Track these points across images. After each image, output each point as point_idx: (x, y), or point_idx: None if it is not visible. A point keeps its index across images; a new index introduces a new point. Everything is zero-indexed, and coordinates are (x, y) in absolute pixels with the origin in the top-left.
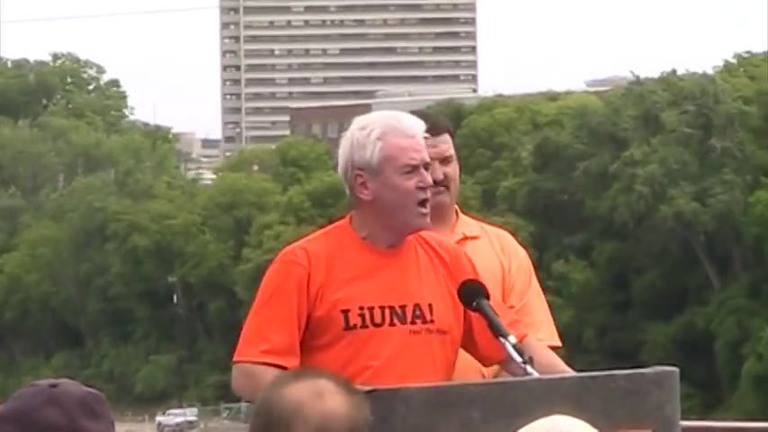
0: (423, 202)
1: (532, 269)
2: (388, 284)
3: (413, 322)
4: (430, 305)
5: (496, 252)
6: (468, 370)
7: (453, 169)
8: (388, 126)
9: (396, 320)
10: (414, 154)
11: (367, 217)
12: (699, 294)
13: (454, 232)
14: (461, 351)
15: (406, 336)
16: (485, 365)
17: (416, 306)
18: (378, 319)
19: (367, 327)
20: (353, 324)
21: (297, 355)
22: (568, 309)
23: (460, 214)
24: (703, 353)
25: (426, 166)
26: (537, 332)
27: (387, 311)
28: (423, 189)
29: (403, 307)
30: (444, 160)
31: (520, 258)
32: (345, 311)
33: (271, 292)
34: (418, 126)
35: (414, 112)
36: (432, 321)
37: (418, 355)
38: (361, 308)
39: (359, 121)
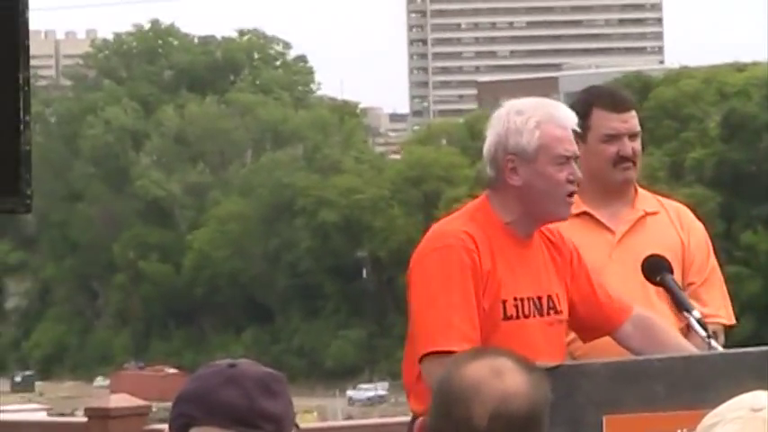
0: (571, 194)
1: (710, 245)
2: (529, 274)
3: (548, 314)
4: (557, 295)
5: (676, 227)
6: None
7: (639, 145)
8: (547, 115)
9: (536, 312)
10: (568, 146)
11: (510, 202)
12: None
13: (635, 208)
14: None
15: (544, 327)
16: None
17: (549, 297)
18: (527, 311)
19: (519, 318)
20: (510, 315)
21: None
22: (756, 279)
23: (639, 189)
24: None
25: (576, 159)
26: (717, 309)
27: (532, 303)
28: (572, 182)
29: (540, 298)
30: (633, 136)
31: (698, 234)
32: (504, 301)
33: (448, 279)
34: (572, 118)
35: (602, 88)
36: (560, 312)
37: (553, 347)
38: (515, 299)
39: (515, 105)
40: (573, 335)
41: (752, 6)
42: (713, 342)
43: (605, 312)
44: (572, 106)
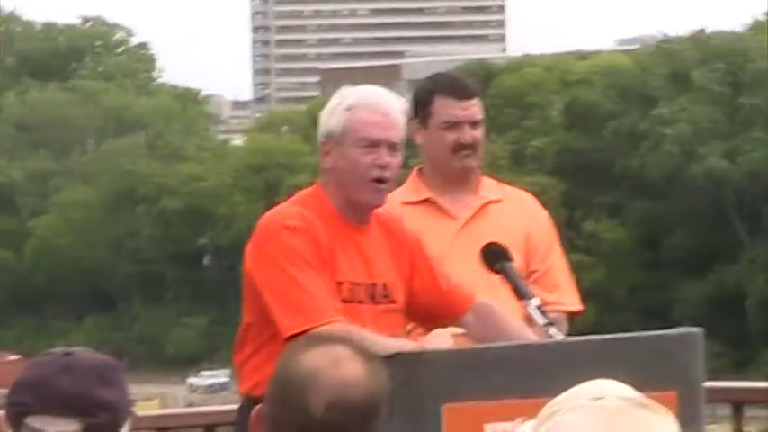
0: (378, 180)
1: (554, 232)
2: (365, 261)
3: (381, 301)
4: (393, 284)
5: (519, 214)
6: None
7: (481, 133)
8: (362, 99)
9: (370, 298)
10: (376, 130)
11: (332, 186)
12: (729, 252)
13: (478, 195)
14: None
15: (377, 315)
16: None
17: (384, 285)
18: (361, 296)
19: (353, 302)
20: (344, 298)
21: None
22: (599, 268)
23: (483, 177)
24: (734, 311)
25: (393, 147)
26: (561, 297)
27: (365, 289)
28: (379, 167)
29: (374, 285)
30: (474, 124)
31: (542, 221)
32: (340, 283)
33: (300, 258)
34: (395, 105)
35: (445, 75)
36: (394, 301)
37: (387, 334)
38: (351, 282)
39: (341, 90)
40: (412, 325)
41: None
42: (552, 330)
43: (448, 301)
44: (415, 93)
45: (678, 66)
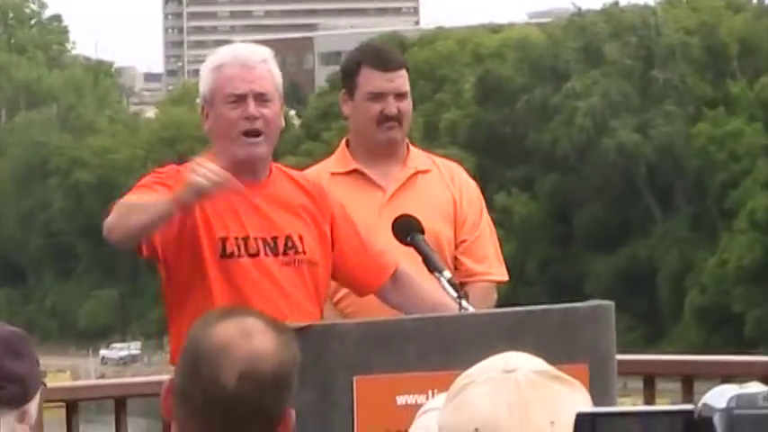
0: (247, 133)
1: (483, 202)
2: (258, 216)
3: (285, 253)
4: (300, 237)
5: (447, 185)
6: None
7: (407, 104)
8: (224, 58)
9: (268, 251)
10: (239, 84)
11: (217, 149)
12: (641, 227)
13: (406, 166)
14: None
15: (279, 266)
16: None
17: (288, 237)
18: (253, 249)
19: (242, 256)
20: (230, 252)
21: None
22: (511, 241)
23: (411, 148)
24: (646, 285)
25: (261, 97)
26: (489, 267)
27: (260, 242)
28: (247, 119)
29: (275, 238)
30: (399, 96)
31: (471, 191)
32: (223, 239)
33: (145, 183)
34: (259, 56)
35: (372, 46)
36: (303, 252)
37: (292, 286)
38: (237, 237)
39: (211, 54)
40: (343, 292)
41: None
42: (464, 302)
43: (372, 266)
44: (343, 64)
45: (590, 39)
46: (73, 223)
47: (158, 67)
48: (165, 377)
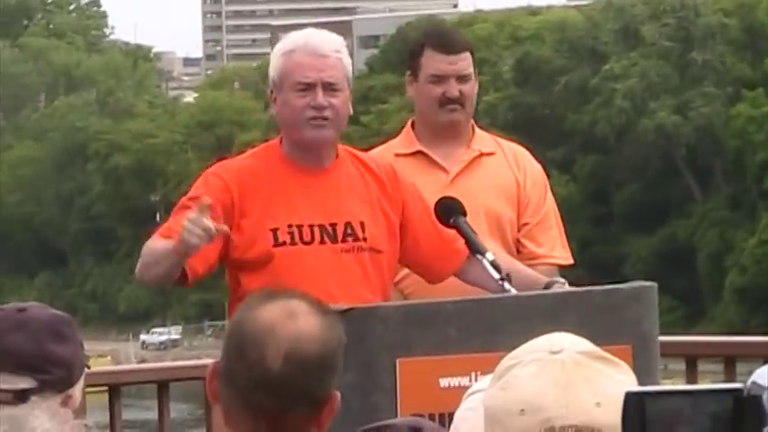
0: (314, 119)
1: (548, 185)
2: (317, 203)
3: (344, 240)
4: (362, 223)
5: (511, 167)
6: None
7: (470, 87)
8: (295, 44)
9: (326, 238)
10: (310, 72)
11: (283, 133)
12: (680, 207)
13: (470, 148)
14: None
15: (336, 254)
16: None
17: (348, 224)
18: (307, 237)
19: (296, 244)
20: (282, 241)
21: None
22: None
23: (477, 130)
24: (686, 265)
25: (329, 86)
26: (551, 250)
27: (317, 229)
28: (314, 108)
29: (333, 225)
30: (461, 78)
31: (535, 174)
32: (274, 229)
33: (182, 203)
34: (331, 45)
35: (437, 28)
36: (364, 239)
37: (349, 274)
38: (290, 225)
39: (283, 38)
40: (404, 272)
41: None
42: (506, 285)
43: (446, 252)
44: (409, 47)
45: (628, 21)
46: (113, 207)
47: (197, 51)
48: (208, 361)
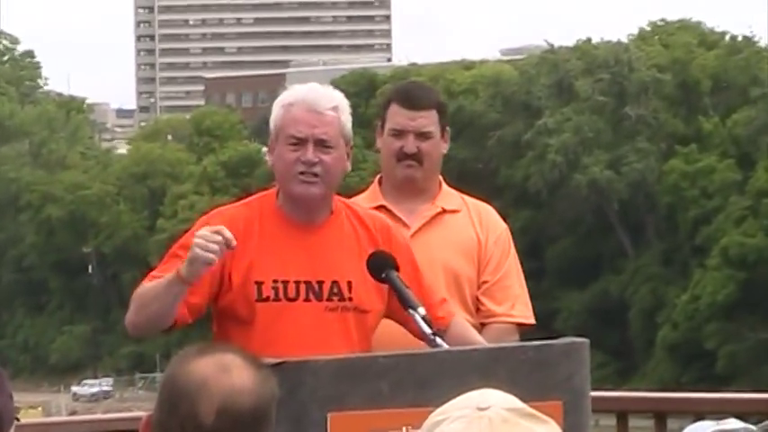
0: (302, 174)
1: (512, 244)
2: (306, 259)
3: (329, 299)
4: (349, 282)
5: (474, 225)
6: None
7: (431, 145)
8: (295, 98)
9: (311, 296)
10: (303, 127)
11: (278, 185)
12: (613, 262)
13: (434, 205)
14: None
15: (320, 312)
16: (420, 339)
17: (334, 283)
18: (291, 294)
19: (279, 300)
20: (266, 296)
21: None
22: None
23: (444, 187)
24: (618, 321)
25: (321, 143)
26: (511, 308)
27: (302, 286)
28: (303, 163)
29: (320, 283)
30: (420, 135)
31: (498, 232)
32: (259, 283)
33: (172, 251)
34: (330, 102)
35: (406, 84)
36: (350, 299)
37: (332, 333)
38: (275, 281)
39: (288, 89)
40: None
41: (481, 4)
42: (438, 340)
43: (431, 316)
44: (380, 99)
45: (563, 76)
46: (44, 258)
47: (131, 103)
48: (141, 413)
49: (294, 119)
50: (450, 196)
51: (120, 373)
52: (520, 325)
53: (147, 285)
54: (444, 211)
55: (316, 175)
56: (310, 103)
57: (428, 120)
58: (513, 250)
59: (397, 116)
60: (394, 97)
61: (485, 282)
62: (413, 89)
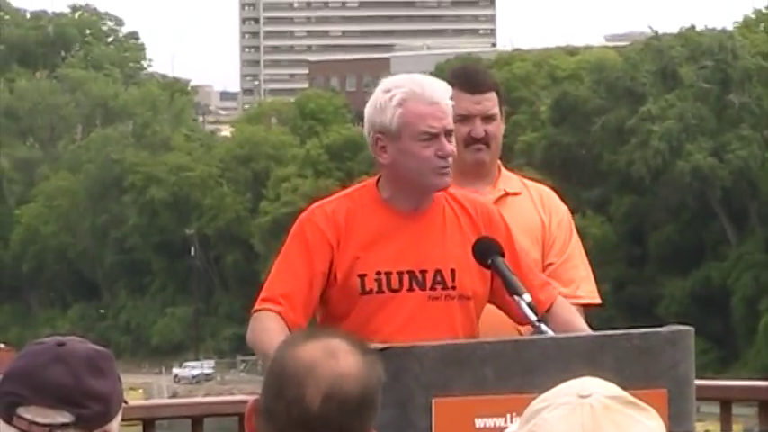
0: (441, 169)
1: (573, 226)
2: (409, 248)
3: (432, 288)
4: (452, 270)
5: (537, 208)
6: (506, 329)
7: (496, 127)
8: (410, 92)
9: (415, 285)
10: (433, 122)
11: (385, 179)
12: (715, 249)
13: (496, 188)
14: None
15: (424, 301)
16: (520, 324)
17: (437, 271)
18: (395, 285)
19: (383, 292)
20: (369, 289)
21: (295, 306)
22: None
23: (503, 170)
24: (720, 308)
25: (449, 133)
26: (577, 289)
27: (405, 276)
28: (442, 157)
29: (423, 272)
30: (487, 118)
31: (561, 214)
32: (362, 276)
33: (282, 254)
34: (442, 92)
35: (464, 67)
36: (453, 287)
37: (436, 321)
38: (378, 272)
39: (384, 83)
40: None
41: None
42: (543, 326)
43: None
44: None
45: (667, 62)
46: (147, 240)
47: (234, 85)
48: (243, 397)
49: (419, 115)
50: (510, 179)
51: (221, 355)
52: (587, 305)
53: (261, 334)
54: (507, 193)
55: (446, 168)
56: (430, 96)
57: (491, 102)
58: (575, 233)
59: (462, 101)
60: (455, 82)
61: (550, 263)
62: (473, 73)
